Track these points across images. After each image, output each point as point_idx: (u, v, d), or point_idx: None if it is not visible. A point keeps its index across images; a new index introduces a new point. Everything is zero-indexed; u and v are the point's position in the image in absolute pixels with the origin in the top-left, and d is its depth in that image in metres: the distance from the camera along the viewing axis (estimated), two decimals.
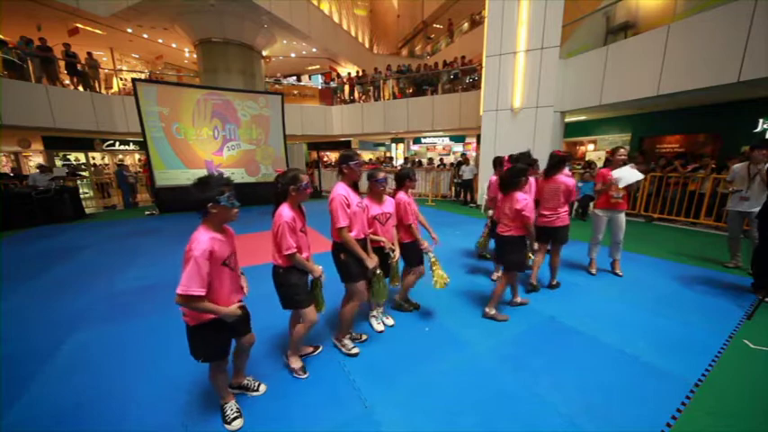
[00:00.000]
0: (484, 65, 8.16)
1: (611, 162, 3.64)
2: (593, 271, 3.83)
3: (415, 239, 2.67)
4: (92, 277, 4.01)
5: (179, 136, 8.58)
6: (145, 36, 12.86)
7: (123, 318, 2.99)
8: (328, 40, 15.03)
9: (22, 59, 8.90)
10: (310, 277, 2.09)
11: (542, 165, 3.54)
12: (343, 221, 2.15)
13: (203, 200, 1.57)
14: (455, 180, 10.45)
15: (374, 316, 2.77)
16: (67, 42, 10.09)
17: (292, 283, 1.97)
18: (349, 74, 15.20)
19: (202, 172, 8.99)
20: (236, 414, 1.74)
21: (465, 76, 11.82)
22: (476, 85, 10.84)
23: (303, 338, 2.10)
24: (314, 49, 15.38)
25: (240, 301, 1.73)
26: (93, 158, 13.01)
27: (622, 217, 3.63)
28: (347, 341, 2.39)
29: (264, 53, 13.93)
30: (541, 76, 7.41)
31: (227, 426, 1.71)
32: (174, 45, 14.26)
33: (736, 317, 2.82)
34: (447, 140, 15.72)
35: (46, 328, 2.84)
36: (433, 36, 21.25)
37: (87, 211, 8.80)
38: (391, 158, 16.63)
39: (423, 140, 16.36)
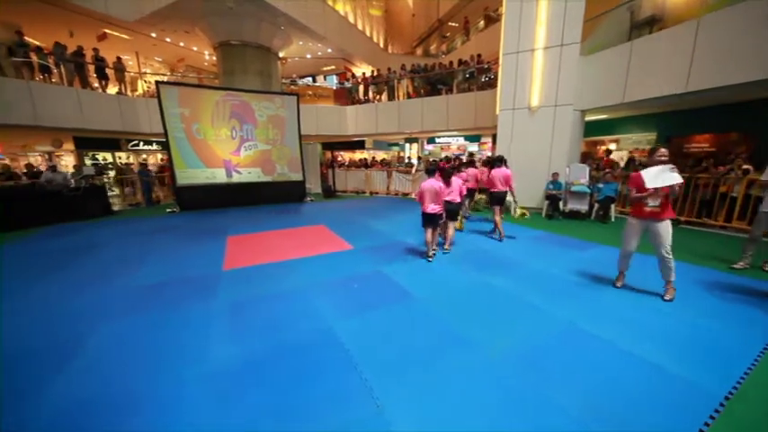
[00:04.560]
0: (501, 63, 8.01)
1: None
2: (619, 284, 3.45)
3: None
4: (114, 272, 4.17)
5: (199, 136, 8.85)
6: (168, 40, 13.34)
7: (146, 311, 3.09)
8: (343, 40, 15.13)
9: (57, 64, 9.43)
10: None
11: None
12: None
13: (434, 170, 4.37)
14: None
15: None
16: (96, 47, 10.60)
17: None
18: (363, 74, 15.25)
19: (221, 171, 9.43)
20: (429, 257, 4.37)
21: (481, 75, 11.63)
22: (492, 84, 10.65)
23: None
24: (329, 50, 15.53)
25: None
26: (120, 158, 13.59)
27: (661, 227, 3.04)
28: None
29: (281, 54, 14.17)
30: (561, 74, 7.20)
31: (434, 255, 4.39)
32: (194, 48, 14.72)
33: None
34: (462, 140, 15.54)
35: (73, 319, 2.98)
36: (448, 35, 21.03)
37: (114, 208, 9.22)
38: (409, 158, 16.69)
39: (437, 140, 16.24)
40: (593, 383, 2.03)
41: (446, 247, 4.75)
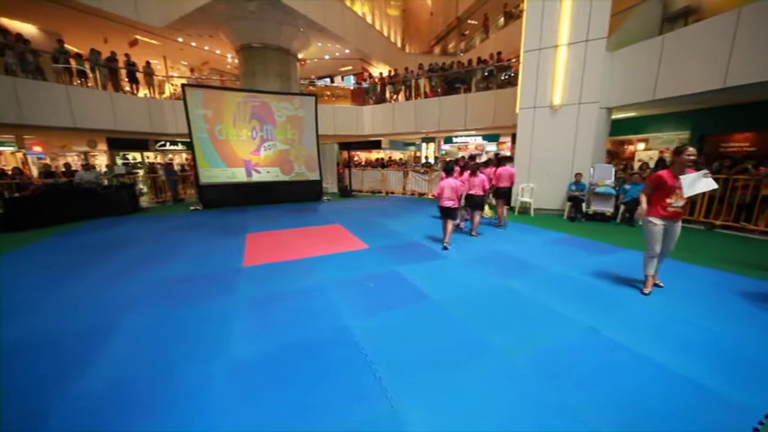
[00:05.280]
0: (522, 60, 7.80)
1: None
2: (647, 291, 3.28)
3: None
4: (136, 268, 4.31)
5: (221, 137, 9.14)
6: (193, 44, 13.88)
7: (165, 306, 3.21)
8: (361, 41, 15.21)
9: (92, 69, 10.02)
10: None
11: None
12: None
13: (452, 168, 5.12)
14: None
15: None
16: (128, 53, 11.18)
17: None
18: (381, 74, 15.30)
19: (241, 170, 9.75)
20: (445, 246, 4.88)
21: (500, 73, 11.38)
22: (512, 82, 10.40)
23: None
24: (347, 51, 15.65)
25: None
26: (148, 157, 14.25)
27: (679, 228, 3.18)
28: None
29: (300, 56, 14.41)
30: (586, 71, 6.93)
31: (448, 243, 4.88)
32: (218, 51, 15.23)
33: None
34: (479, 139, 15.26)
35: (105, 309, 3.14)
36: (467, 32, 20.71)
37: (143, 205, 9.69)
38: (427, 158, 16.78)
39: (454, 140, 16.03)
40: (612, 391, 1.94)
41: (473, 233, 5.61)
